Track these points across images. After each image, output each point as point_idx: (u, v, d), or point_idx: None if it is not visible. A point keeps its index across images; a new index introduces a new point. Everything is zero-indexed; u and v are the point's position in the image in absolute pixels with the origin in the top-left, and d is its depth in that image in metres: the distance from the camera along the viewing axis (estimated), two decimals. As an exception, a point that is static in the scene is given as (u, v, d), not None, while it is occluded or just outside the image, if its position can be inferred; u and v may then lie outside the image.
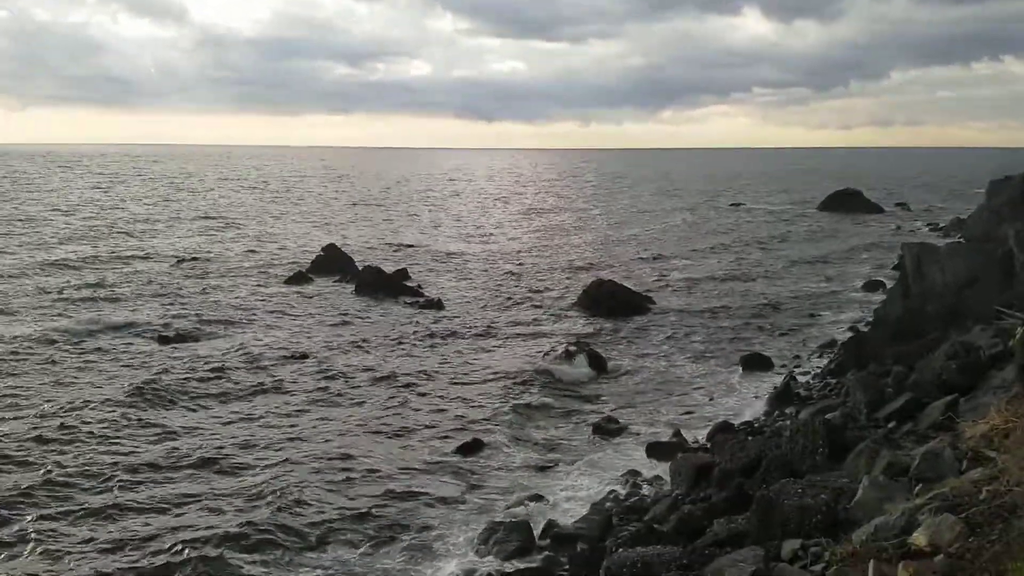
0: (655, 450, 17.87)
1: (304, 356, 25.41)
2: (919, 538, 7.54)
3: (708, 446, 17.62)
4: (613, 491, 15.94)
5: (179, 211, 74.29)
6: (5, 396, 20.72)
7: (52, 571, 12.87)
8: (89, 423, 18.85)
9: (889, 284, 34.73)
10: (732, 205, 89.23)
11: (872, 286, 37.81)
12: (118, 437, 18.23)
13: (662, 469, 16.61)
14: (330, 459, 17.52)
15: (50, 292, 34.14)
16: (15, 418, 19.10)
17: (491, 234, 60.62)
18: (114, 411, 19.67)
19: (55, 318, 29.47)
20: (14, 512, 14.53)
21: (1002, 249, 22.53)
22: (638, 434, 19.31)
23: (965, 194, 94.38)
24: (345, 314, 32.08)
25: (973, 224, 33.76)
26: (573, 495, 16.10)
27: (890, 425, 14.59)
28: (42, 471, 16.20)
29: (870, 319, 29.00)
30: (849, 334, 27.85)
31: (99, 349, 25.69)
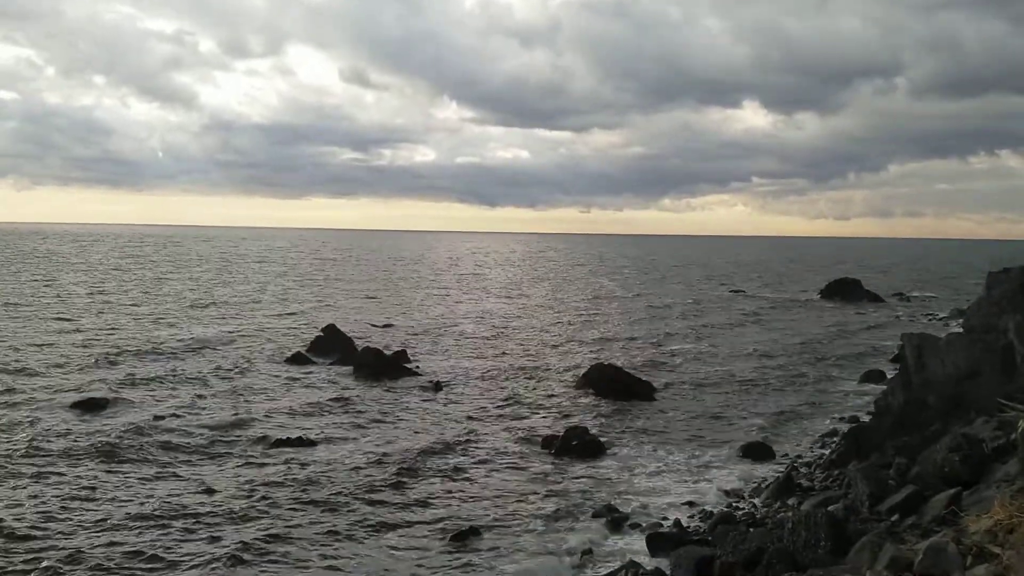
0: (655, 541, 17.53)
1: (290, 439, 24.99)
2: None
3: (709, 538, 17.28)
4: (612, 584, 15.51)
5: (179, 291, 74.84)
6: None
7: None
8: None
9: (889, 374, 34.62)
10: (732, 292, 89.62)
11: (872, 376, 37.66)
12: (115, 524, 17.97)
13: (663, 562, 16.22)
14: (320, 543, 17.20)
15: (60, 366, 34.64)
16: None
17: (492, 315, 60.76)
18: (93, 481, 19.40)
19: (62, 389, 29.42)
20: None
21: (1002, 341, 22.50)
22: (639, 524, 18.95)
23: (963, 284, 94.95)
24: (341, 396, 31.80)
25: (972, 315, 33.75)
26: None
27: (893, 518, 14.35)
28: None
29: (871, 409, 28.80)
30: (850, 424, 27.64)
31: (94, 422, 25.51)
